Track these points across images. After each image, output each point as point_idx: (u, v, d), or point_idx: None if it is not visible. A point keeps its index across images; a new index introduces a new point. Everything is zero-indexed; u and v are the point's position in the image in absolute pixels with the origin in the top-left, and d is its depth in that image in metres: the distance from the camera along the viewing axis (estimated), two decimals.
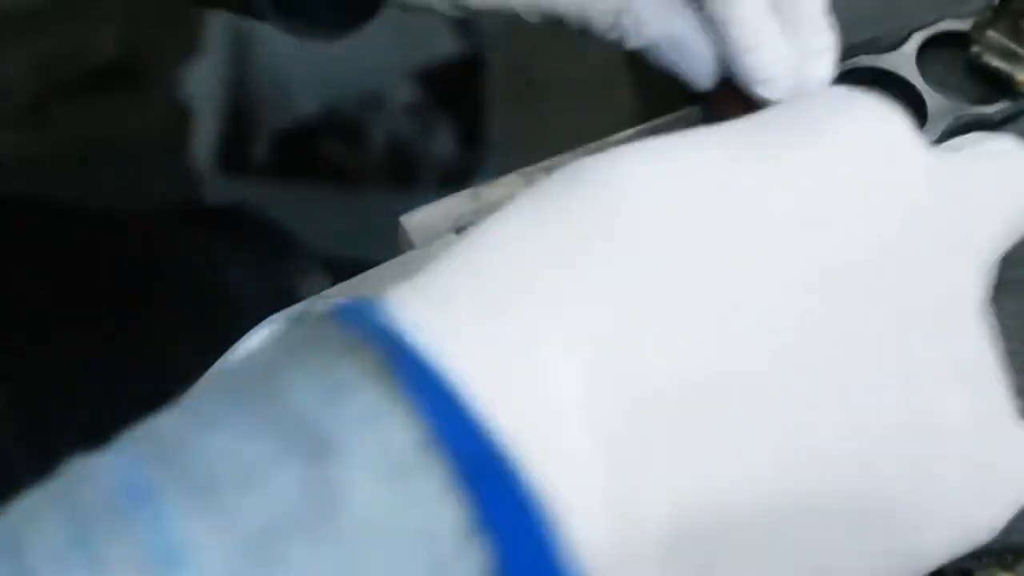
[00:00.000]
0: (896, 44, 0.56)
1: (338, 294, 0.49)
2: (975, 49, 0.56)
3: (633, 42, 0.50)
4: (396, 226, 0.54)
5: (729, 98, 0.50)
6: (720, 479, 0.30)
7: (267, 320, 0.48)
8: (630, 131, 0.55)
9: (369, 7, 0.59)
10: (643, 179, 0.32)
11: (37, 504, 0.29)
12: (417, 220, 0.53)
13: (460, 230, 0.51)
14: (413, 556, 0.27)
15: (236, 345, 0.48)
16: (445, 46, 1.38)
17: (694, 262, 0.31)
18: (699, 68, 0.50)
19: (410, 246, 0.52)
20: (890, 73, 0.56)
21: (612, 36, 0.51)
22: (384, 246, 0.54)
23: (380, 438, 0.28)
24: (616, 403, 0.30)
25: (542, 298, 0.30)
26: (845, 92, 0.36)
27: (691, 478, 0.30)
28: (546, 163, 0.54)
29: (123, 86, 1.38)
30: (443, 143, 1.38)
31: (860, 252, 0.32)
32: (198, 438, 0.29)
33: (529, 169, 0.54)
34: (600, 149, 0.54)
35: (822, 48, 0.50)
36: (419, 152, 1.38)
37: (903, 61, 0.56)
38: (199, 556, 0.27)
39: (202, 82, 1.36)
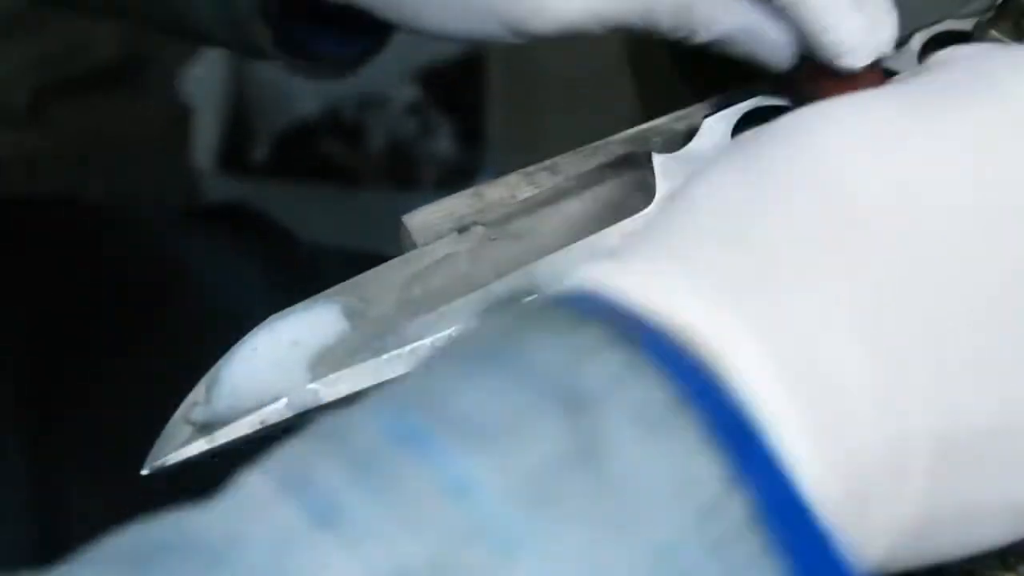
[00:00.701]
0: (898, 44, 0.56)
1: (339, 294, 0.49)
2: None
3: (702, 37, 0.50)
4: (397, 226, 0.53)
5: (815, 74, 0.50)
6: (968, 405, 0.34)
7: (268, 320, 0.48)
8: (630, 131, 0.55)
9: (374, 42, 0.60)
10: (842, 145, 0.35)
11: (305, 452, 0.31)
12: (418, 220, 0.53)
13: (462, 230, 0.51)
14: (680, 503, 0.29)
15: (236, 345, 0.48)
16: (445, 46, 1.38)
17: (926, 224, 0.34)
18: (779, 52, 0.50)
19: (412, 246, 0.51)
20: (893, 73, 0.56)
21: (679, 35, 0.51)
22: (385, 246, 0.54)
23: (634, 396, 0.30)
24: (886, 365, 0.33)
25: (787, 271, 0.33)
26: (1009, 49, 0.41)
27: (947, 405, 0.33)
28: (546, 163, 0.54)
29: (123, 86, 1.38)
30: (443, 143, 1.38)
31: None
32: (456, 389, 0.31)
33: (529, 169, 0.54)
34: (600, 149, 0.54)
35: (885, 7, 0.51)
36: (419, 152, 1.38)
37: (905, 61, 0.56)
38: (482, 488, 0.29)
39: (202, 82, 1.36)
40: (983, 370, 0.34)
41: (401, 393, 0.32)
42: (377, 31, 0.59)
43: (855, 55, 0.50)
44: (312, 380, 0.47)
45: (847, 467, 0.32)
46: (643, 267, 0.33)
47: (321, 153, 1.37)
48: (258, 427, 0.47)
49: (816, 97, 0.51)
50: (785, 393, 0.31)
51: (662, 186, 0.51)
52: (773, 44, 0.50)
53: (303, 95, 1.36)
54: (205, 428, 0.46)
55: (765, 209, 0.34)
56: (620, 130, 0.55)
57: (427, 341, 0.48)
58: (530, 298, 0.35)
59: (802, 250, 0.34)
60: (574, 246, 0.49)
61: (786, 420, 0.31)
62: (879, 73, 0.51)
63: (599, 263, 0.34)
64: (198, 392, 0.47)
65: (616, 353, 0.30)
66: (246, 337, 0.48)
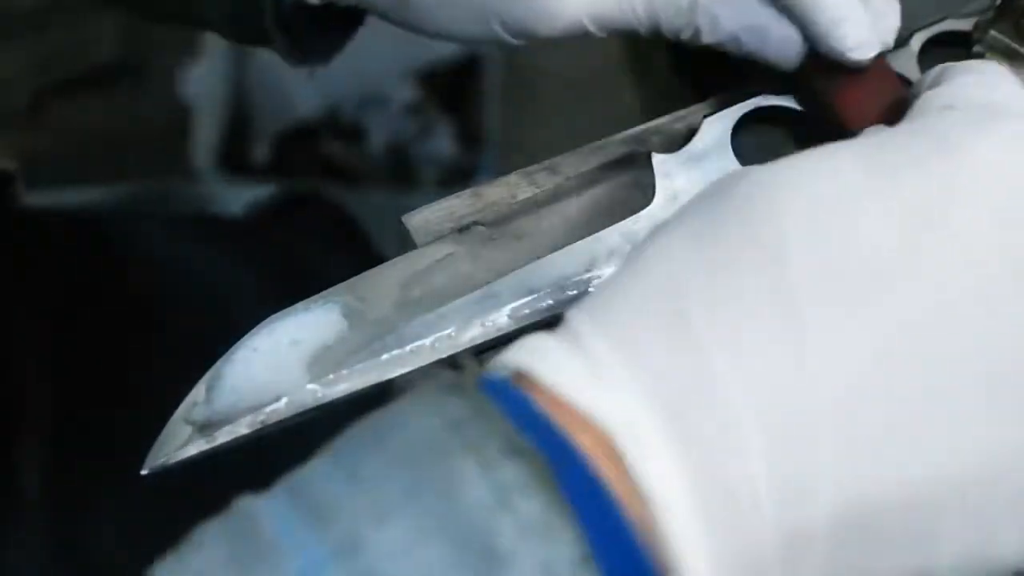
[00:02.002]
0: (898, 44, 0.56)
1: (339, 294, 0.49)
2: (977, 49, 0.56)
3: (708, 38, 0.50)
4: (397, 226, 0.53)
5: (824, 70, 0.50)
6: (879, 477, 0.34)
7: (268, 320, 0.48)
8: (630, 131, 0.55)
9: (349, 31, 0.60)
10: (793, 208, 0.36)
11: (206, 531, 0.33)
12: (418, 220, 0.53)
13: (462, 230, 0.51)
14: None
15: (236, 345, 0.47)
16: (445, 46, 1.38)
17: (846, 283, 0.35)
18: (787, 51, 0.50)
19: (412, 246, 0.51)
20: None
21: (684, 36, 0.51)
22: (385, 246, 0.54)
23: (543, 553, 0.31)
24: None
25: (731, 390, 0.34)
26: (972, 108, 0.40)
27: (853, 483, 0.34)
28: (546, 163, 0.54)
29: (123, 86, 1.38)
30: (443, 143, 1.38)
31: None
32: (373, 529, 0.32)
33: (529, 169, 0.54)
34: (600, 149, 0.54)
35: (888, 1, 0.51)
36: (419, 152, 1.38)
37: (906, 61, 0.56)
38: None
39: (202, 82, 1.36)
40: (892, 444, 0.34)
41: (310, 504, 0.33)
42: (353, 21, 0.60)
43: (863, 49, 0.50)
44: (311, 380, 0.47)
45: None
46: (575, 360, 0.35)
47: (321, 153, 1.37)
48: (258, 427, 0.47)
49: (826, 93, 0.51)
50: (701, 535, 0.33)
51: (662, 186, 0.51)
52: (780, 43, 0.50)
53: (303, 95, 1.36)
54: (205, 428, 0.46)
55: (712, 290, 0.35)
56: (620, 130, 0.55)
57: (427, 341, 0.48)
58: (472, 376, 0.35)
59: (740, 334, 0.34)
60: (574, 246, 0.49)
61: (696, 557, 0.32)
62: (885, 65, 0.51)
63: (537, 347, 0.35)
64: (198, 392, 0.47)
65: (537, 497, 0.32)
66: (246, 337, 0.48)
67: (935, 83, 0.44)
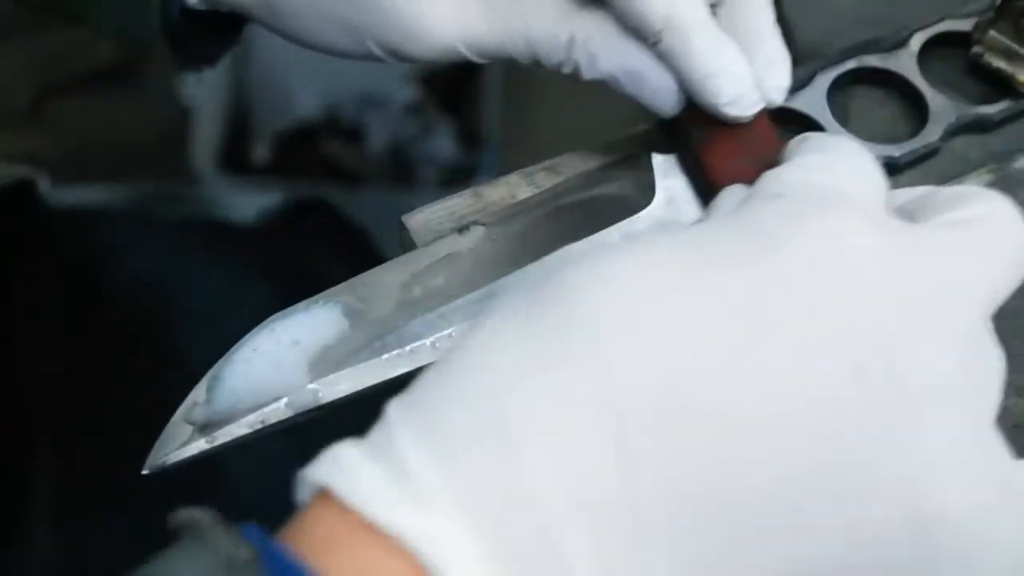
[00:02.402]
0: (898, 44, 0.56)
1: (339, 294, 0.49)
2: (976, 49, 0.56)
3: (587, 75, 0.50)
4: (397, 226, 0.54)
5: (698, 120, 0.49)
6: None
7: (268, 320, 0.48)
8: (630, 131, 0.55)
9: (236, 37, 0.60)
10: (610, 302, 0.35)
11: None
12: (418, 220, 0.53)
13: (462, 230, 0.51)
14: None
15: (236, 345, 0.48)
16: None
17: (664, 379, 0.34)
18: (663, 97, 0.49)
19: (412, 246, 0.52)
20: (892, 73, 0.56)
21: (566, 71, 0.50)
22: (385, 246, 0.54)
23: None
24: None
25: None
26: (802, 197, 0.38)
27: None
28: (546, 163, 0.54)
29: (123, 86, 1.38)
30: (443, 143, 1.38)
31: (824, 364, 0.34)
32: None
33: (529, 169, 0.54)
34: (600, 149, 0.54)
35: (778, 57, 0.49)
36: (419, 152, 1.38)
37: (905, 61, 0.56)
38: None
39: (202, 82, 1.36)
40: (728, 549, 0.33)
41: None
42: (237, 25, 0.60)
43: (740, 105, 0.48)
44: (312, 380, 0.47)
45: None
46: (385, 478, 0.33)
47: (321, 153, 1.37)
48: (258, 427, 0.47)
49: (698, 144, 0.49)
50: None
51: (662, 186, 0.51)
52: (657, 89, 0.49)
53: (303, 95, 1.36)
54: (205, 428, 0.46)
55: (533, 392, 0.34)
56: (620, 130, 0.55)
57: (427, 341, 0.48)
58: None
59: (561, 437, 0.33)
60: (574, 246, 0.49)
61: None
62: (767, 124, 0.49)
63: (345, 461, 0.34)
64: (198, 392, 0.47)
65: None
66: (246, 337, 0.48)
67: (785, 159, 0.43)
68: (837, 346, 0.34)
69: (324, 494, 0.34)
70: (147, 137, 1.34)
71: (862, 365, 0.34)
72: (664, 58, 0.48)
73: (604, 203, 0.52)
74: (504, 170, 0.55)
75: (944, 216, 0.39)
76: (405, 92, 1.38)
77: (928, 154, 0.55)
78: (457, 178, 1.34)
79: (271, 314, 0.48)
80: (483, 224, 0.51)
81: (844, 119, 0.54)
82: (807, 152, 0.42)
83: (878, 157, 0.53)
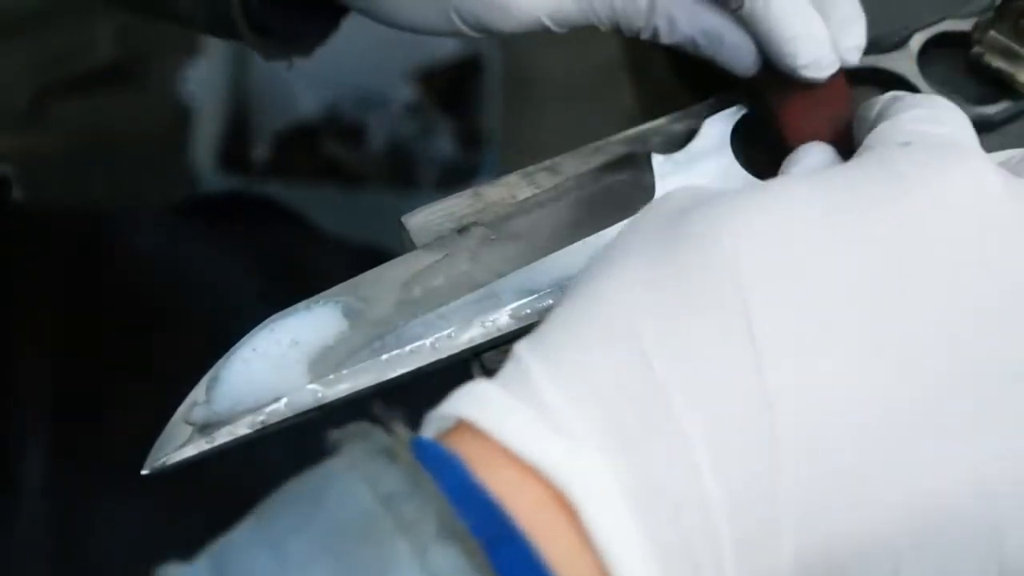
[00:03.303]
0: (898, 44, 0.56)
1: (339, 294, 0.49)
2: (976, 49, 0.56)
3: (666, 39, 0.51)
4: (397, 226, 0.54)
5: (778, 82, 0.50)
6: (843, 519, 0.33)
7: (268, 320, 0.48)
8: (630, 131, 0.55)
9: (330, 25, 0.60)
10: (752, 246, 0.35)
11: None
12: (418, 220, 0.53)
13: (462, 230, 0.51)
14: None
15: (236, 345, 0.48)
16: (445, 46, 1.38)
17: (809, 327, 0.34)
18: (741, 58, 0.50)
19: (412, 246, 0.52)
20: (892, 73, 0.56)
21: (645, 36, 0.51)
22: (385, 246, 0.54)
23: None
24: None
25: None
26: (930, 144, 0.39)
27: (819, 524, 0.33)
28: (546, 163, 0.54)
29: (123, 86, 1.38)
30: (443, 143, 1.38)
31: (966, 301, 0.35)
32: None
33: (529, 169, 0.54)
34: (600, 149, 0.54)
35: (852, 17, 0.51)
36: (419, 152, 1.38)
37: (905, 61, 0.56)
38: None
39: (202, 82, 1.36)
40: (858, 481, 0.33)
41: None
42: (333, 15, 0.60)
43: (818, 67, 0.49)
44: (312, 380, 0.47)
45: None
46: (524, 408, 0.33)
47: (321, 153, 1.37)
48: (258, 427, 0.47)
49: (774, 104, 0.51)
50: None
51: (662, 186, 0.51)
52: (735, 50, 0.50)
53: (303, 95, 1.36)
54: (205, 428, 0.46)
55: (671, 332, 0.34)
56: (620, 130, 0.55)
57: (427, 341, 0.48)
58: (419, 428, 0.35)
59: (702, 376, 0.33)
60: (574, 246, 0.49)
61: None
62: (842, 83, 0.51)
63: (483, 395, 0.34)
64: (198, 392, 0.47)
65: None
66: (246, 337, 0.48)
67: (884, 114, 0.44)
68: (985, 285, 0.35)
69: (461, 428, 0.34)
70: (147, 137, 1.34)
71: (1005, 307, 0.35)
72: (743, 21, 0.50)
73: (604, 203, 0.52)
74: (504, 170, 0.55)
75: None
76: (405, 92, 1.38)
77: None
78: (457, 178, 1.34)
79: (270, 314, 0.48)
80: (483, 224, 0.51)
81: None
82: (912, 107, 0.43)
83: None
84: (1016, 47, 0.55)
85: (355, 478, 0.32)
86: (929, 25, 0.57)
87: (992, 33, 0.55)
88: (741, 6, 0.49)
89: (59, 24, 1.35)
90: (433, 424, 0.35)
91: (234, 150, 1.35)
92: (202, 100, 1.35)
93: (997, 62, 0.55)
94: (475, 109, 1.38)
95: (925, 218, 0.35)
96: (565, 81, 1.34)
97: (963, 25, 0.56)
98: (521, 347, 0.35)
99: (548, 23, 0.51)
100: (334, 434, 0.34)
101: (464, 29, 0.52)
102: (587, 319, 0.35)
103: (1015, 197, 0.36)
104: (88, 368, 0.78)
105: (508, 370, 0.35)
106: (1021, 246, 0.35)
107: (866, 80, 0.56)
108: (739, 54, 0.50)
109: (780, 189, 0.36)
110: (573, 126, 1.29)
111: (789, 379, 0.33)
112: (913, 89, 0.55)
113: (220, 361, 0.47)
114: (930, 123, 0.42)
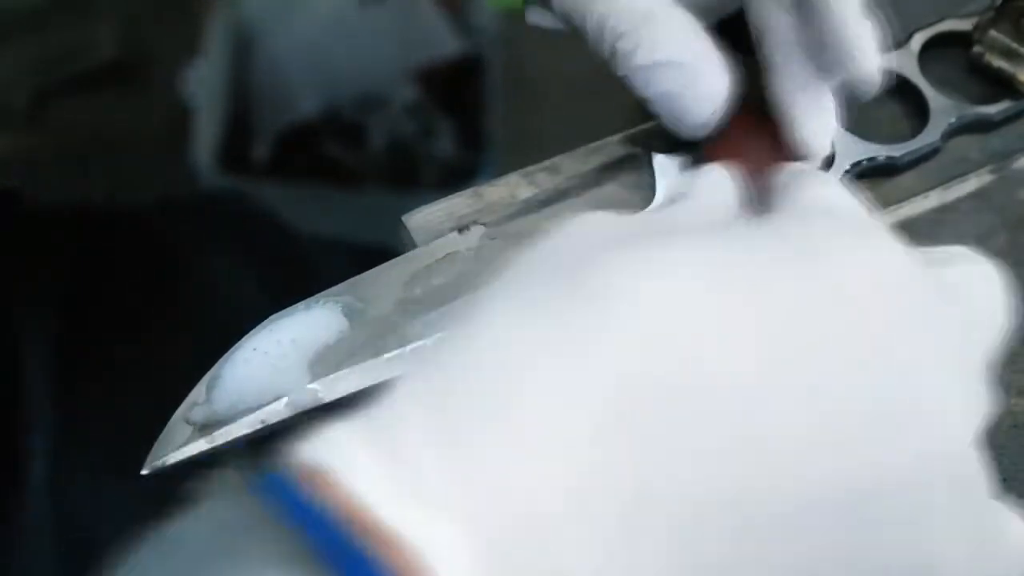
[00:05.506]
0: (898, 44, 0.56)
1: (339, 294, 0.49)
2: (977, 49, 0.56)
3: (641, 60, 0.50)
4: (398, 226, 0.54)
5: (740, 134, 0.50)
6: None
7: (268, 320, 0.48)
8: (630, 131, 0.55)
9: None
10: (645, 297, 0.33)
11: None
12: (418, 220, 0.53)
13: (462, 230, 0.51)
14: None
15: (236, 345, 0.48)
16: (445, 46, 1.38)
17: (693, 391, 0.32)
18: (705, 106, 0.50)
19: (412, 245, 0.52)
20: (892, 73, 0.56)
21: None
22: (385, 246, 0.54)
23: None
24: None
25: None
26: (846, 213, 0.38)
27: None
28: (546, 163, 0.54)
29: (123, 86, 1.38)
30: (443, 143, 1.38)
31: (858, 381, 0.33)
32: None
33: (529, 169, 0.54)
34: (600, 149, 0.54)
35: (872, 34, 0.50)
36: (419, 152, 1.38)
37: (905, 61, 0.56)
38: None
39: (202, 82, 1.36)
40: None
41: None
42: None
43: (875, 82, 0.49)
44: (312, 380, 0.47)
45: None
46: (386, 469, 0.31)
47: (321, 153, 1.37)
48: (258, 427, 0.47)
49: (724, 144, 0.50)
50: None
51: (662, 186, 0.51)
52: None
53: (303, 95, 1.36)
54: (205, 428, 0.46)
55: (541, 384, 0.32)
56: (620, 130, 0.55)
57: (427, 341, 0.48)
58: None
59: (554, 436, 0.31)
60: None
61: None
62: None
63: (338, 442, 0.32)
64: (198, 392, 0.47)
65: None
66: (246, 337, 0.48)
67: (786, 183, 0.42)
68: (876, 368, 0.33)
69: (312, 475, 0.32)
70: (147, 137, 1.34)
71: (891, 393, 0.33)
72: (804, 29, 0.49)
73: (604, 203, 0.52)
74: (504, 170, 0.55)
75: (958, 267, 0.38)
76: (405, 92, 1.38)
77: (928, 154, 0.54)
78: (457, 178, 1.34)
79: (270, 314, 0.48)
80: (483, 224, 0.51)
81: (844, 120, 0.55)
82: (818, 180, 0.41)
83: (878, 157, 0.53)
84: (1017, 47, 0.55)
85: (204, 522, 0.31)
86: (929, 25, 0.57)
87: (992, 33, 0.55)
88: None
89: (59, 24, 1.35)
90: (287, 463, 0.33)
91: (234, 150, 1.35)
92: (202, 100, 1.35)
93: (998, 62, 0.55)
94: (475, 109, 1.38)
95: (832, 291, 0.34)
96: (565, 81, 1.34)
97: (963, 25, 0.57)
98: (395, 391, 0.33)
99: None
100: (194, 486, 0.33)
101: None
102: (461, 366, 0.32)
103: (916, 278, 0.35)
104: (88, 368, 0.78)
105: (373, 415, 0.32)
106: (906, 331, 0.34)
107: None
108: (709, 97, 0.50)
109: (687, 241, 0.34)
110: (573, 126, 1.28)
111: (662, 446, 0.31)
112: (914, 89, 0.55)
113: (220, 361, 0.47)
114: (845, 196, 0.40)
